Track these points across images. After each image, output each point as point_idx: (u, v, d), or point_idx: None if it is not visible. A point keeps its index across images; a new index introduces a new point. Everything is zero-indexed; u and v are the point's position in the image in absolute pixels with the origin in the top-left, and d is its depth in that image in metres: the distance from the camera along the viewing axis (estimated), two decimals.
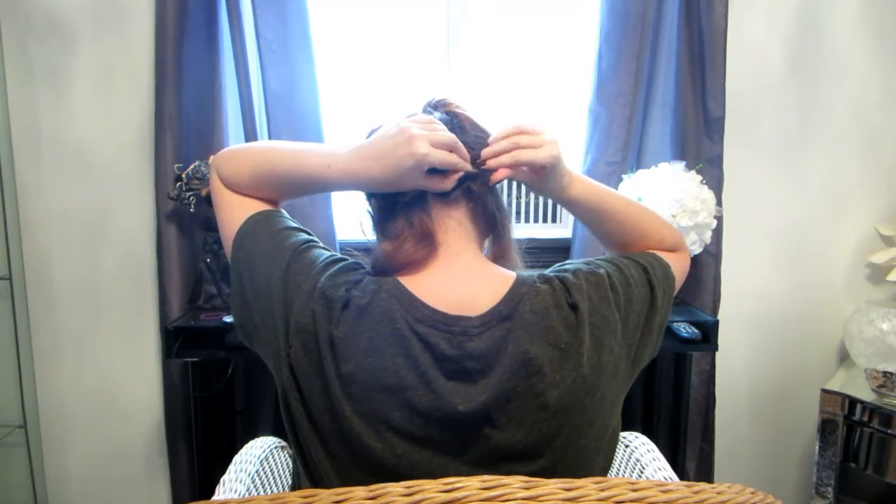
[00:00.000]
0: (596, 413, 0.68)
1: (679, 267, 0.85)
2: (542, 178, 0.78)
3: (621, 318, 0.72)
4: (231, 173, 0.80)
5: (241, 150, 0.82)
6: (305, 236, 0.77)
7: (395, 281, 0.70)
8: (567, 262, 0.78)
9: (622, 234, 0.87)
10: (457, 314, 0.68)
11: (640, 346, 0.75)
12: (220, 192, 0.82)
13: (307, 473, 0.70)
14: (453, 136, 0.73)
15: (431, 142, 0.70)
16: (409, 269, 0.72)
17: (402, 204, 0.75)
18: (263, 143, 0.87)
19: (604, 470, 0.72)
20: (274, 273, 0.71)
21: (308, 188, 0.81)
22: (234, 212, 0.79)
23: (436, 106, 0.82)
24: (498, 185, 0.82)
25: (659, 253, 0.84)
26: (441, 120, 0.78)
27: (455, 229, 0.75)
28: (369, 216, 0.83)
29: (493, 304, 0.69)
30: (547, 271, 0.75)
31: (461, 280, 0.72)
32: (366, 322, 0.66)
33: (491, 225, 0.79)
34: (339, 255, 0.75)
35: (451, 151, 0.72)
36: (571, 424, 0.66)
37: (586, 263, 0.77)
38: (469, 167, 0.75)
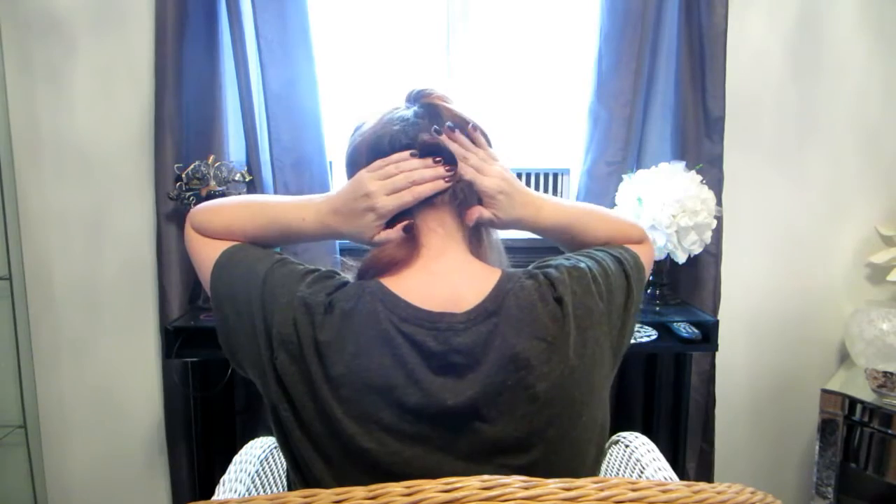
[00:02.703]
0: (585, 404, 0.69)
1: (646, 257, 0.88)
2: (499, 209, 0.78)
3: (605, 308, 0.73)
4: (204, 224, 0.82)
5: (215, 207, 0.83)
6: (279, 256, 0.78)
7: (378, 283, 0.71)
8: (548, 258, 0.79)
9: (592, 243, 0.89)
10: (441, 311, 0.69)
11: (620, 335, 0.76)
12: (195, 239, 0.83)
13: (301, 480, 0.70)
14: (407, 174, 0.74)
15: (386, 191, 0.74)
16: (392, 271, 0.73)
17: None
18: (238, 198, 0.88)
19: (596, 461, 0.73)
20: (252, 291, 0.72)
21: (284, 241, 0.83)
22: (208, 251, 0.80)
23: (416, 98, 0.81)
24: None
25: (627, 245, 0.87)
26: (417, 113, 0.78)
27: (436, 230, 0.76)
28: None
29: (478, 301, 0.70)
30: (530, 267, 0.76)
31: (445, 279, 0.73)
32: (352, 325, 0.67)
33: (475, 225, 0.80)
34: (314, 267, 0.76)
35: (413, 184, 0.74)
36: (562, 416, 0.67)
37: (566, 259, 0.78)
38: (439, 185, 0.75)
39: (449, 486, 0.48)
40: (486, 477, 0.49)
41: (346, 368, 0.65)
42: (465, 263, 0.76)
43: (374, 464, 0.65)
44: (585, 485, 0.49)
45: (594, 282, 0.74)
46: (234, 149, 1.62)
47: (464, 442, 0.66)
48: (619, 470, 1.07)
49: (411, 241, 0.75)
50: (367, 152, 0.77)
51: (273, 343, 0.69)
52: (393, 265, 0.73)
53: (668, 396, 1.73)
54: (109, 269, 1.67)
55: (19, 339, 1.61)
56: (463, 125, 0.78)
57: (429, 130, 0.76)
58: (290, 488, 0.77)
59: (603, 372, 0.73)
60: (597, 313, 0.72)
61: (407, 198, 0.74)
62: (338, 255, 1.65)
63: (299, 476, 0.70)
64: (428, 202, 0.76)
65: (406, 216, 0.76)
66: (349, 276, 0.76)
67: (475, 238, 0.81)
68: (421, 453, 0.65)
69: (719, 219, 1.60)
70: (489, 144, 0.82)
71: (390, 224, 0.76)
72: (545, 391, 0.66)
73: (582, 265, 0.75)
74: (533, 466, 0.66)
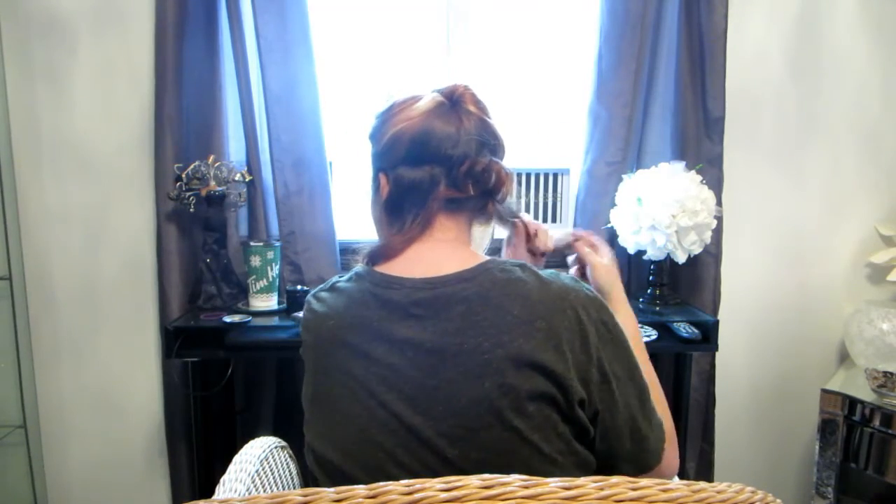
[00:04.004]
0: (545, 381, 0.68)
1: (669, 459, 0.79)
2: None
3: (580, 349, 0.71)
4: None
5: None
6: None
7: (367, 268, 0.80)
8: None
9: None
10: (411, 276, 0.75)
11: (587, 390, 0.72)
12: None
13: (310, 452, 0.77)
14: None
15: None
16: (390, 257, 0.80)
17: (410, 204, 0.81)
18: None
19: (567, 446, 0.70)
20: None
21: None
22: None
23: (450, 97, 0.82)
24: (509, 202, 0.90)
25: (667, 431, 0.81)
26: (456, 116, 0.80)
27: (451, 229, 0.82)
28: (379, 207, 0.86)
29: (456, 271, 0.74)
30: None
31: (432, 260, 0.78)
32: (340, 299, 0.79)
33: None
34: None
35: None
36: (518, 388, 0.67)
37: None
38: None
39: (449, 486, 0.48)
40: (486, 476, 0.49)
41: (331, 333, 0.76)
42: (456, 250, 0.80)
43: (346, 414, 0.72)
44: (585, 484, 0.49)
45: (602, 323, 0.73)
46: (234, 149, 1.62)
47: (424, 398, 0.69)
48: None
49: (413, 239, 0.80)
50: (409, 143, 0.80)
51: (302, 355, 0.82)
52: (392, 251, 0.80)
53: (668, 396, 1.72)
54: (109, 269, 1.67)
55: (19, 339, 1.61)
56: (480, 145, 0.81)
57: (464, 141, 0.79)
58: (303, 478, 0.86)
59: (574, 377, 0.70)
60: (575, 336, 0.70)
61: None
62: (337, 256, 1.65)
63: (310, 454, 0.77)
64: (449, 207, 0.81)
65: (424, 224, 0.80)
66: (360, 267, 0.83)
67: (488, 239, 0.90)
68: (385, 403, 0.70)
69: (719, 219, 1.60)
70: (503, 153, 0.86)
71: (401, 218, 0.81)
72: (501, 359, 0.68)
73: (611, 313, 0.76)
74: (487, 432, 0.67)
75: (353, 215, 1.75)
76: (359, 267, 0.82)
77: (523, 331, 0.69)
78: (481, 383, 0.67)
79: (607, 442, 0.73)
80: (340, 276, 0.83)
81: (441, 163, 0.79)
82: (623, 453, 0.75)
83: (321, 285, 0.84)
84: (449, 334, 0.70)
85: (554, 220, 1.78)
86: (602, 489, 0.49)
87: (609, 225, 1.64)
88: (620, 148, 1.64)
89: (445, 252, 0.79)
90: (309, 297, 0.83)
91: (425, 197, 0.79)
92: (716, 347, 1.52)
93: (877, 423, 1.45)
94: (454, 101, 0.82)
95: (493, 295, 0.71)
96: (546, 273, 0.75)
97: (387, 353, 0.71)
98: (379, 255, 0.81)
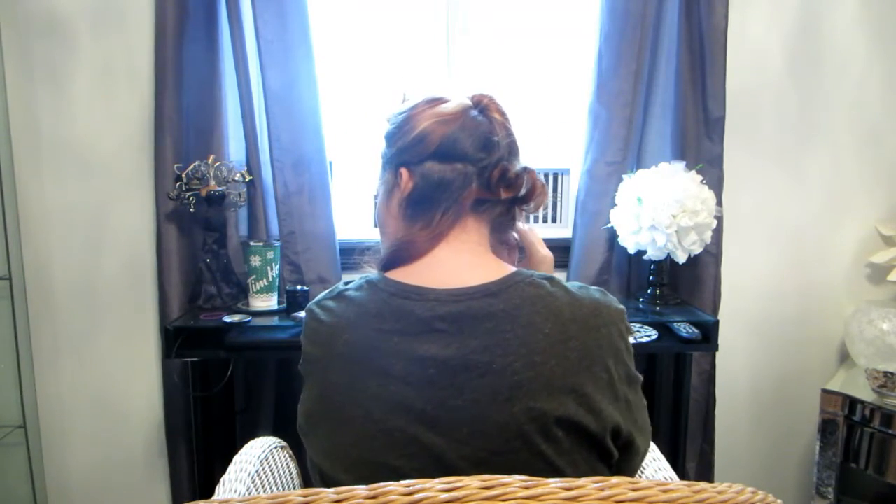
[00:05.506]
0: (577, 407, 0.66)
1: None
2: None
3: (614, 367, 0.70)
4: None
5: None
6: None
7: (381, 275, 0.75)
8: None
9: None
10: (434, 286, 0.71)
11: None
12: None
13: (316, 472, 0.73)
14: None
15: None
16: (407, 262, 0.76)
17: (439, 200, 0.77)
18: None
19: (592, 469, 0.70)
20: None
21: None
22: None
23: (478, 104, 0.83)
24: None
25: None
26: (487, 120, 0.81)
27: (472, 232, 0.78)
28: (397, 204, 0.82)
29: (480, 283, 0.71)
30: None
31: (450, 266, 0.75)
32: (350, 308, 0.73)
33: (503, 238, 0.86)
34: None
35: None
36: (549, 413, 0.65)
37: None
38: None
39: (449, 486, 0.48)
40: (486, 477, 0.49)
41: (345, 347, 0.70)
42: (480, 256, 0.77)
43: (359, 434, 0.67)
44: (586, 485, 0.49)
45: (621, 337, 0.72)
46: (234, 149, 1.62)
47: (444, 417, 0.65)
48: None
49: (437, 239, 0.77)
50: (441, 138, 0.77)
51: (301, 373, 0.77)
52: (414, 250, 0.76)
53: (668, 396, 1.73)
54: (109, 269, 1.67)
55: (19, 339, 1.61)
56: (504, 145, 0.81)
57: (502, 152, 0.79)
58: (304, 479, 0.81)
59: (606, 403, 0.69)
60: (607, 351, 0.69)
61: None
62: (337, 256, 1.65)
63: (316, 473, 0.74)
64: (477, 208, 0.78)
65: (454, 220, 0.77)
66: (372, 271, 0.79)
67: (503, 244, 0.86)
68: (402, 424, 0.66)
69: (719, 219, 1.60)
70: (519, 155, 0.84)
71: (427, 213, 0.77)
72: (531, 381, 0.65)
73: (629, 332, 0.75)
74: (507, 455, 0.65)
75: (353, 215, 1.75)
76: (370, 274, 0.77)
77: (556, 351, 0.66)
78: (510, 406, 0.64)
79: (628, 462, 0.74)
80: (347, 284, 0.77)
81: (474, 162, 0.77)
82: (631, 469, 0.76)
83: (324, 293, 0.78)
84: (475, 352, 0.66)
85: (554, 221, 1.78)
86: (602, 489, 0.49)
87: (609, 225, 1.64)
88: (620, 148, 1.64)
89: (467, 258, 0.76)
90: (311, 305, 0.77)
91: (458, 194, 0.76)
92: (716, 347, 1.52)
93: (877, 423, 1.45)
94: (481, 109, 0.82)
95: (522, 312, 0.68)
96: (575, 287, 0.73)
97: (406, 370, 0.67)
98: (399, 254, 0.76)
